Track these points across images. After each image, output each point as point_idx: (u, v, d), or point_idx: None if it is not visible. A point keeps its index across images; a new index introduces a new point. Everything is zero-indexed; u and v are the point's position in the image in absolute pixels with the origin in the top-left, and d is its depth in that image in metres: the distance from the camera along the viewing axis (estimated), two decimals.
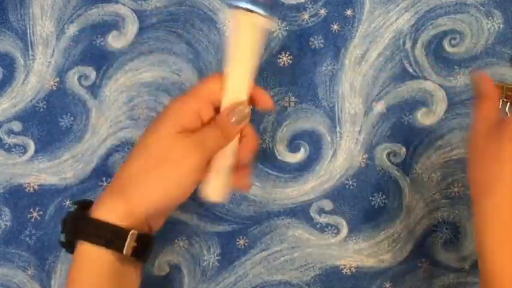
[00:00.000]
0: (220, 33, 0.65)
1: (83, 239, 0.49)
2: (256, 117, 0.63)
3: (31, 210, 0.62)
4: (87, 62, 0.65)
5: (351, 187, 0.62)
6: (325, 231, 0.61)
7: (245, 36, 0.51)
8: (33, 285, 0.61)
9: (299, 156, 0.63)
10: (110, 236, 0.48)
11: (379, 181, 0.62)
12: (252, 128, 0.53)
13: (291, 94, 0.64)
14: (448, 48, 0.64)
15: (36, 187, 0.63)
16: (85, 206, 0.51)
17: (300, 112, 0.63)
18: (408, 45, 0.64)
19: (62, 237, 0.51)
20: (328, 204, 0.62)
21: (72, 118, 0.64)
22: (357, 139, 0.62)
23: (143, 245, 0.50)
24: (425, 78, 0.63)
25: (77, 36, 0.65)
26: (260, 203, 0.62)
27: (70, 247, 0.50)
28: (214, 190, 0.53)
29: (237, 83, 0.52)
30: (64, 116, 0.64)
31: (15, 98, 0.64)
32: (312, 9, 0.65)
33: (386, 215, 0.61)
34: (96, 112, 0.64)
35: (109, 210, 0.49)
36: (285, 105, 0.63)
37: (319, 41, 0.64)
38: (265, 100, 0.54)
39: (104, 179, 0.63)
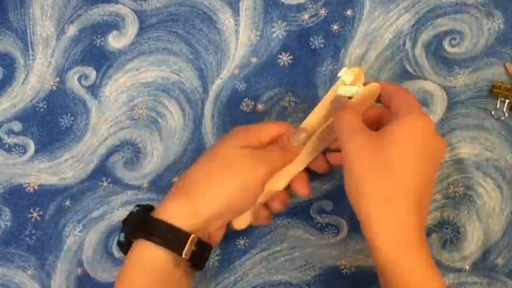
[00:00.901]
0: (220, 33, 0.65)
1: (144, 238, 0.50)
2: (256, 117, 0.63)
3: (31, 210, 0.62)
4: (87, 62, 0.65)
5: None
6: (325, 231, 0.61)
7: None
8: (33, 285, 0.61)
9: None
10: (171, 237, 0.49)
11: None
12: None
13: (291, 94, 0.64)
14: (448, 48, 0.64)
15: (36, 187, 0.63)
16: (148, 208, 0.53)
17: (300, 112, 0.63)
18: (408, 45, 0.64)
19: (122, 236, 0.52)
20: (328, 204, 0.62)
21: (72, 118, 0.64)
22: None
23: (201, 252, 0.51)
24: (425, 78, 0.63)
25: (77, 36, 0.65)
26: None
27: (127, 247, 0.51)
28: (241, 219, 0.57)
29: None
30: (64, 116, 0.64)
31: (15, 98, 0.64)
32: (312, 9, 0.65)
33: None
34: (96, 112, 0.64)
35: (173, 212, 0.50)
36: (285, 105, 0.63)
37: (319, 41, 0.64)
38: (321, 164, 0.58)
39: (104, 179, 0.63)
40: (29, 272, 0.61)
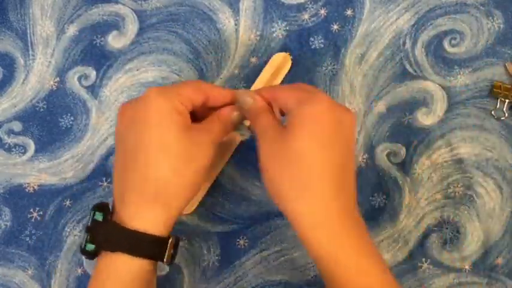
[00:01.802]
0: (220, 33, 0.65)
1: (119, 251, 0.47)
2: None
3: (31, 210, 0.62)
4: (87, 62, 0.65)
5: None
6: None
7: None
8: (33, 285, 0.61)
9: None
10: (149, 247, 0.48)
11: (379, 181, 0.62)
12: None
13: None
14: (448, 48, 0.64)
15: (36, 187, 0.63)
16: (105, 210, 0.50)
17: None
18: (408, 45, 0.64)
19: (89, 247, 0.49)
20: None
21: (72, 118, 0.64)
22: (356, 139, 0.62)
23: (176, 250, 0.50)
24: (425, 78, 0.63)
25: (77, 36, 0.65)
26: (260, 203, 0.62)
27: (95, 255, 0.49)
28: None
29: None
30: (64, 116, 0.64)
31: (15, 98, 0.64)
32: (312, 9, 0.65)
33: (386, 215, 0.61)
34: (96, 112, 0.64)
35: (146, 220, 0.48)
36: None
37: (319, 41, 0.64)
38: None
39: (104, 179, 0.63)
40: (29, 272, 0.61)
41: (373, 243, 0.47)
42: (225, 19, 0.65)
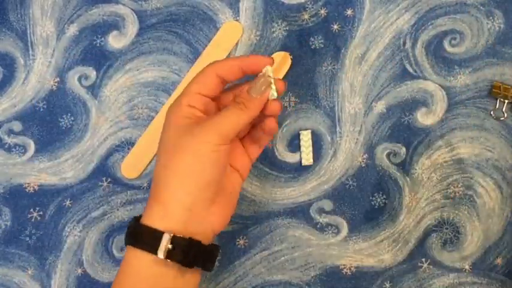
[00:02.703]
0: None
1: (128, 243, 0.50)
2: None
3: (31, 210, 0.62)
4: (88, 62, 0.65)
5: (351, 187, 0.62)
6: (325, 231, 0.61)
7: None
8: (33, 285, 0.61)
9: (299, 156, 0.63)
10: (147, 239, 0.49)
11: (379, 181, 0.62)
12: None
13: (291, 94, 0.64)
14: (448, 48, 0.64)
15: (36, 187, 0.63)
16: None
17: (300, 112, 0.63)
18: (408, 45, 0.64)
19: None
20: (328, 204, 0.62)
21: (72, 118, 0.64)
22: (357, 139, 0.62)
23: (182, 249, 0.49)
24: (425, 78, 0.63)
25: (77, 36, 0.65)
26: (260, 203, 0.62)
27: None
28: (128, 166, 0.61)
29: None
30: (64, 116, 0.64)
31: (15, 98, 0.64)
32: (312, 9, 0.65)
33: (386, 215, 0.61)
34: (96, 112, 0.64)
35: (149, 215, 0.50)
36: (285, 105, 0.63)
37: (319, 41, 0.64)
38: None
39: (104, 179, 0.63)
40: (29, 272, 0.61)
41: None
42: (225, 19, 0.65)
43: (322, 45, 0.64)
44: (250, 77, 0.53)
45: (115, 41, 0.65)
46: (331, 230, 0.61)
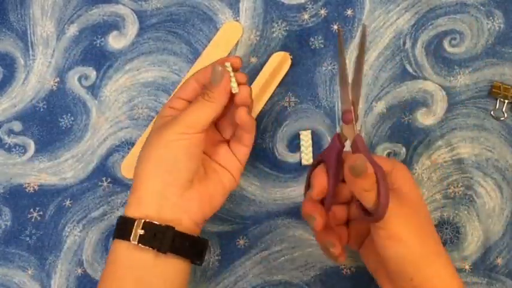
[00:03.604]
0: None
1: (112, 237, 0.52)
2: (256, 117, 0.63)
3: (31, 210, 0.62)
4: (88, 62, 0.65)
5: None
6: None
7: None
8: (33, 285, 0.61)
9: (299, 156, 0.63)
10: (123, 228, 0.51)
11: None
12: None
13: (291, 94, 0.64)
14: (448, 48, 0.64)
15: (36, 187, 0.63)
16: None
17: (300, 112, 0.63)
18: (408, 45, 0.64)
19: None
20: None
21: (72, 118, 0.64)
22: None
23: (155, 234, 0.50)
24: (425, 78, 0.63)
25: (77, 36, 0.65)
26: (260, 203, 0.62)
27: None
28: (128, 166, 0.61)
29: None
30: (64, 116, 0.64)
31: (16, 98, 0.64)
32: (312, 9, 0.65)
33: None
34: (96, 112, 0.64)
35: (127, 207, 0.52)
36: (285, 105, 0.63)
37: (319, 41, 0.64)
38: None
39: (104, 179, 0.63)
40: (29, 272, 0.61)
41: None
42: (225, 19, 0.65)
43: (322, 45, 0.64)
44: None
45: (115, 41, 0.65)
46: None
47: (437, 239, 0.50)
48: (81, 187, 0.63)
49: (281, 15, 0.65)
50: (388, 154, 0.62)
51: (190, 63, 0.64)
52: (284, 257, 0.61)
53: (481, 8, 0.64)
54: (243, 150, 0.57)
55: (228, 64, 0.53)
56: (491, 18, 0.64)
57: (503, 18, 0.64)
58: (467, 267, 0.60)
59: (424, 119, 0.63)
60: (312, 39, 0.64)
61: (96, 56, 0.65)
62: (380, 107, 0.63)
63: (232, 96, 0.53)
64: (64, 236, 0.62)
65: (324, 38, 0.64)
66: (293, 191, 0.62)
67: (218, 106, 0.53)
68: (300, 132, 0.62)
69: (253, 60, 0.64)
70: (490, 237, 0.60)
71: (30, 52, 0.65)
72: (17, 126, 0.64)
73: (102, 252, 0.62)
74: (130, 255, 0.51)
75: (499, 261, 0.60)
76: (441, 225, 0.61)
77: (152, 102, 0.64)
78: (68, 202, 0.62)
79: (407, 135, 0.62)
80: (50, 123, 0.64)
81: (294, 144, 0.63)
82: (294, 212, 0.62)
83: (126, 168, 0.62)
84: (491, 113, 0.62)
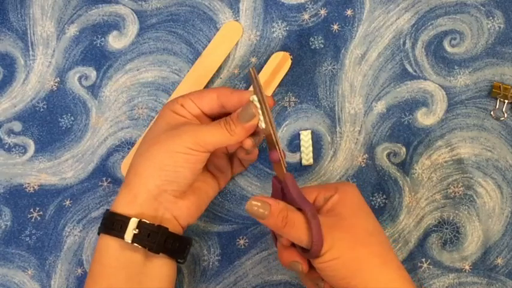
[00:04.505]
0: None
1: (100, 231, 0.52)
2: None
3: (31, 210, 0.62)
4: (88, 62, 0.65)
5: None
6: None
7: None
8: (33, 285, 0.61)
9: (299, 156, 0.63)
10: (114, 225, 0.51)
11: (379, 181, 0.62)
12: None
13: (291, 94, 0.64)
14: (448, 48, 0.64)
15: (36, 187, 0.63)
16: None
17: (300, 112, 0.63)
18: (408, 45, 0.64)
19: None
20: None
21: (72, 118, 0.64)
22: (357, 139, 0.62)
23: (148, 234, 0.51)
24: (425, 78, 0.63)
25: (78, 36, 0.65)
26: None
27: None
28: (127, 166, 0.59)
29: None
30: (64, 116, 0.64)
31: (16, 98, 0.64)
32: (312, 9, 0.65)
33: (386, 215, 0.61)
34: (96, 112, 0.64)
35: (119, 202, 0.52)
36: (285, 105, 0.63)
37: (319, 41, 0.64)
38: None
39: (104, 179, 0.63)
40: (29, 272, 0.61)
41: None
42: (225, 19, 0.65)
43: (322, 45, 0.64)
44: None
45: (115, 41, 0.65)
46: None
47: (383, 252, 0.50)
48: (81, 187, 0.63)
49: (281, 15, 0.65)
50: (388, 154, 0.62)
51: (190, 63, 0.64)
52: None
53: (481, 8, 0.64)
54: (240, 168, 0.60)
55: (255, 99, 0.51)
56: (491, 18, 0.64)
57: (503, 18, 0.64)
58: (467, 267, 0.60)
59: (424, 119, 0.63)
60: (312, 39, 0.64)
61: (96, 56, 0.65)
62: (380, 107, 0.63)
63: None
64: (64, 236, 0.62)
65: (324, 38, 0.64)
66: None
67: (236, 140, 0.53)
68: (300, 132, 0.62)
69: (253, 60, 0.64)
70: (490, 237, 0.60)
71: (30, 52, 0.65)
72: (17, 126, 0.64)
73: None
74: (122, 253, 0.51)
75: (499, 261, 0.60)
76: (441, 225, 0.61)
77: (152, 102, 0.64)
78: (68, 202, 0.62)
79: (407, 135, 0.62)
80: (50, 123, 0.64)
81: (294, 144, 0.63)
82: None
83: (126, 168, 0.62)
84: (491, 113, 0.62)
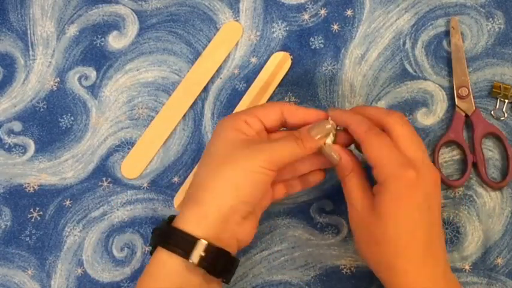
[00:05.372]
0: None
1: (159, 245, 0.50)
2: None
3: (31, 210, 0.62)
4: (88, 62, 0.65)
5: None
6: (325, 231, 0.61)
7: None
8: (33, 285, 0.61)
9: None
10: (180, 242, 0.49)
11: None
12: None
13: (291, 94, 0.64)
14: (448, 49, 0.64)
15: (36, 187, 0.63)
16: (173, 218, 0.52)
17: None
18: (408, 45, 0.64)
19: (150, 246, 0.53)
20: (328, 204, 0.62)
21: (72, 118, 0.64)
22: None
23: (214, 258, 0.49)
24: (425, 78, 0.63)
25: (78, 36, 0.65)
26: None
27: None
28: (128, 166, 0.60)
29: None
30: (64, 116, 0.64)
31: (16, 98, 0.64)
32: (312, 9, 0.65)
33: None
34: (96, 112, 0.64)
35: (185, 218, 0.50)
36: None
37: (319, 41, 0.64)
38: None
39: (104, 179, 0.63)
40: (29, 272, 0.61)
41: None
42: (225, 19, 0.65)
43: (322, 45, 0.64)
44: None
45: (115, 41, 0.65)
46: (331, 230, 0.61)
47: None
48: (81, 187, 0.63)
49: (281, 15, 0.65)
50: None
51: (190, 63, 0.65)
52: (284, 257, 0.61)
53: (481, 9, 0.64)
54: (284, 192, 0.57)
55: (334, 124, 0.53)
56: (491, 19, 0.64)
57: (503, 19, 0.64)
58: (467, 267, 0.60)
59: (424, 119, 0.63)
60: (312, 39, 0.65)
61: (96, 56, 0.65)
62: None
63: None
64: (64, 236, 0.62)
65: (324, 38, 0.64)
66: None
67: (305, 154, 0.52)
68: None
69: (253, 60, 0.64)
70: (490, 237, 0.60)
71: (30, 52, 0.65)
72: (17, 126, 0.64)
73: (102, 252, 0.62)
74: (182, 273, 0.49)
75: (499, 261, 0.60)
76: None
77: (152, 102, 0.64)
78: (68, 202, 0.62)
79: None
80: (50, 123, 0.64)
81: None
82: (294, 212, 0.62)
83: (126, 168, 0.62)
84: (492, 113, 0.62)
